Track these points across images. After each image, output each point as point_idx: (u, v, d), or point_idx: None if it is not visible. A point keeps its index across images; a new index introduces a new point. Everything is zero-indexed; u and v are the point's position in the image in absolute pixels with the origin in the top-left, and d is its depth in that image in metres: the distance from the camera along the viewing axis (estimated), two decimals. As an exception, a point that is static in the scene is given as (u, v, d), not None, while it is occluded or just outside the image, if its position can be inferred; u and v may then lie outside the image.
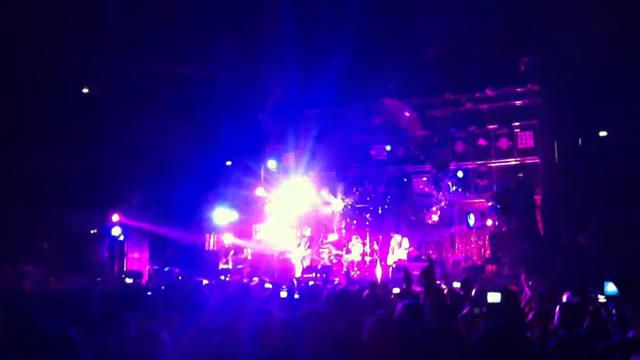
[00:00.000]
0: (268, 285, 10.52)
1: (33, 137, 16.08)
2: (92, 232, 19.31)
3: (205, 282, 13.07)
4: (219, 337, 4.04)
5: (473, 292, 7.60)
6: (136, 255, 20.60)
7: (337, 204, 19.04)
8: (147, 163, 17.32)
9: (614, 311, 5.02)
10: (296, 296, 9.42)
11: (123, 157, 17.20)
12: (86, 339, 3.79)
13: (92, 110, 17.27)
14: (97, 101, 17.57)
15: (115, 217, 18.41)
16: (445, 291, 8.96)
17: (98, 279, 15.28)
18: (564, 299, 6.60)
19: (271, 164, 20.36)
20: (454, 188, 17.79)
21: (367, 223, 18.39)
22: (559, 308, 5.21)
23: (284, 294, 9.12)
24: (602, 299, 5.33)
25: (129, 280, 14.69)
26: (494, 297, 5.23)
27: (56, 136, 16.49)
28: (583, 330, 4.66)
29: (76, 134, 16.85)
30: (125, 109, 17.25)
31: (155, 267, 19.18)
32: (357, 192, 19.49)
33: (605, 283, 4.87)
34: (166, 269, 16.31)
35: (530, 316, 6.57)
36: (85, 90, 18.15)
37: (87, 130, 17.13)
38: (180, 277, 14.95)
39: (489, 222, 16.52)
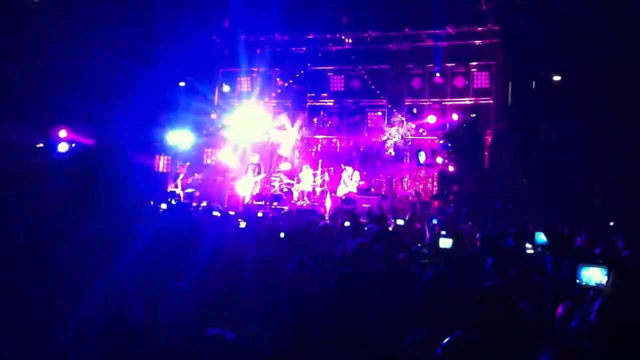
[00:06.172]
0: (216, 213, 10.55)
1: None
2: (37, 146, 18.70)
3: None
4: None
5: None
6: (83, 173, 20.19)
7: (291, 132, 18.95)
8: (93, 80, 16.61)
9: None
10: (242, 225, 9.57)
11: (68, 74, 16.45)
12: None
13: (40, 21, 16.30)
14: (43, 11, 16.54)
15: (62, 133, 17.81)
16: (391, 227, 9.23)
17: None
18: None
19: (225, 88, 19.95)
20: (408, 124, 17.89)
21: (319, 154, 18.41)
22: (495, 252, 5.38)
23: (243, 224, 9.32)
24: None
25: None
26: (445, 243, 5.31)
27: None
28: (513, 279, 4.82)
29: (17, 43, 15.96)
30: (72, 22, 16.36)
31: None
32: (311, 122, 19.40)
33: (536, 234, 5.11)
34: None
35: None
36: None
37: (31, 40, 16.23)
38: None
39: (439, 160, 16.79)
